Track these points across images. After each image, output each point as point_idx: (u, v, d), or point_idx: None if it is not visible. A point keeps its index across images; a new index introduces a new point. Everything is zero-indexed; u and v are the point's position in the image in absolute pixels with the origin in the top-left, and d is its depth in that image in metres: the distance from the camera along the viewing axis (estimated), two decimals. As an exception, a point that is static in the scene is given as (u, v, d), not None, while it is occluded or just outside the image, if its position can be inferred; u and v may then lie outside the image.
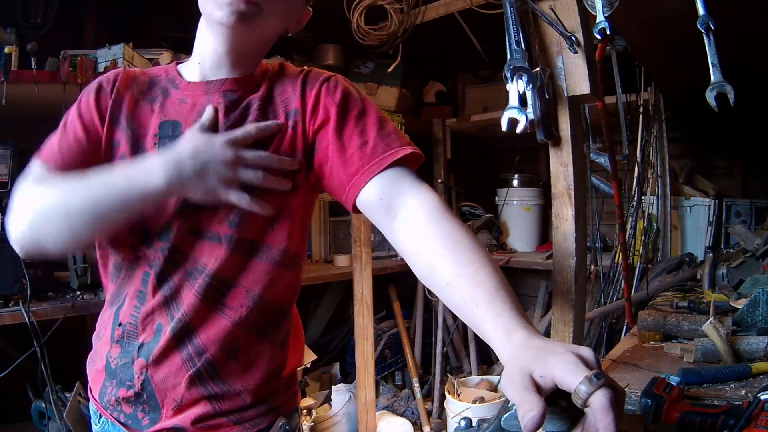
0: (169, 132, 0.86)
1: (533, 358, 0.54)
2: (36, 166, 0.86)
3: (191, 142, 0.80)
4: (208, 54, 0.89)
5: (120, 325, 0.87)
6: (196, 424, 0.84)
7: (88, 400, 1.69)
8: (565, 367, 0.51)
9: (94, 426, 0.94)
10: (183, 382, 0.83)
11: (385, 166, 0.81)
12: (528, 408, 0.49)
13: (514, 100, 1.21)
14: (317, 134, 0.87)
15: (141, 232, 0.85)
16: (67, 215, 0.77)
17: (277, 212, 0.86)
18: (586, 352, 0.54)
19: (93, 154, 0.86)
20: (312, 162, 0.88)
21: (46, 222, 0.78)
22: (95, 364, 0.91)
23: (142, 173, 0.78)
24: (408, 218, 0.78)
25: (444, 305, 3.08)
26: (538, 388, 0.52)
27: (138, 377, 0.84)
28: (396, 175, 0.82)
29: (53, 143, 0.88)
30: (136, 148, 0.86)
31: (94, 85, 0.90)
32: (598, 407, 0.48)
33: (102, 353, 0.89)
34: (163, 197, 0.80)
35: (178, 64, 0.95)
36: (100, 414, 0.91)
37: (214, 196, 0.80)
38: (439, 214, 0.76)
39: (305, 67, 0.95)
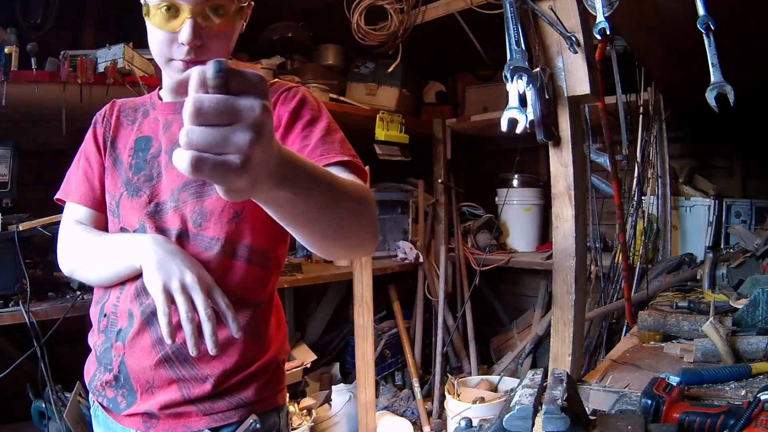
0: (142, 146, 1.00)
1: None
2: (67, 208, 1.06)
3: (164, 249, 0.88)
4: (171, 86, 1.01)
5: (105, 316, 0.96)
6: (164, 410, 0.90)
7: (87, 400, 1.67)
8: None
9: (91, 412, 1.03)
10: (152, 364, 0.89)
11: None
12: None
13: (514, 100, 1.21)
14: None
15: (121, 232, 0.98)
16: (87, 274, 1.00)
17: (240, 210, 0.92)
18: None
19: (99, 179, 1.03)
20: None
21: (79, 274, 1.02)
22: (90, 359, 1.01)
23: (130, 256, 0.90)
24: None
25: (443, 305, 3.09)
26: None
27: (115, 360, 0.92)
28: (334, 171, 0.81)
29: (70, 180, 1.07)
30: (116, 162, 1.02)
31: (92, 121, 1.08)
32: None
33: (92, 345, 1.00)
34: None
35: (160, 89, 1.06)
36: (93, 400, 1.01)
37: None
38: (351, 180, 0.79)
39: (276, 80, 1.03)
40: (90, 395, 1.01)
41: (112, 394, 0.94)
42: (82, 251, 1.00)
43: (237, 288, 0.93)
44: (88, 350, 1.02)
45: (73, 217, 1.04)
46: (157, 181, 0.96)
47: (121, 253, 0.92)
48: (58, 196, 1.07)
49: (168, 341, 0.80)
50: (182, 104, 0.89)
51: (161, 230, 0.93)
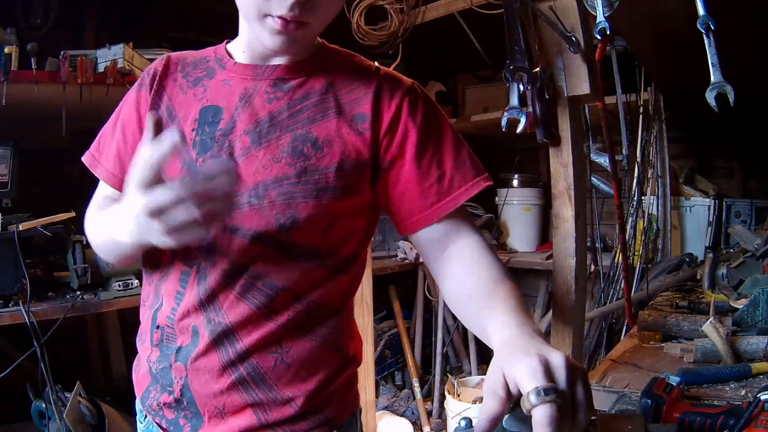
0: (209, 118, 0.82)
1: (507, 356, 0.57)
2: (100, 184, 0.92)
3: (130, 204, 0.67)
4: (256, 47, 0.83)
5: (158, 327, 0.83)
6: None
7: (88, 400, 1.65)
8: (524, 371, 0.53)
9: (138, 424, 0.92)
10: (224, 388, 0.78)
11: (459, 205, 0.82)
12: (484, 410, 0.53)
13: (514, 100, 1.21)
14: (390, 151, 0.82)
15: None
16: (100, 251, 0.86)
17: (333, 218, 0.80)
18: (557, 358, 0.54)
19: (130, 155, 0.85)
20: (378, 175, 0.83)
21: (98, 253, 0.88)
22: (140, 369, 0.88)
23: (117, 230, 0.72)
24: (453, 254, 0.82)
25: (444, 305, 3.09)
26: (509, 388, 0.54)
27: (177, 382, 0.80)
28: (460, 217, 0.83)
29: (102, 146, 0.92)
30: None
31: (139, 80, 0.89)
32: (537, 422, 0.50)
33: (143, 358, 0.87)
34: (139, 249, 0.77)
35: (228, 42, 0.89)
36: (145, 415, 0.89)
37: (174, 241, 0.66)
38: (483, 250, 0.80)
39: (377, 64, 0.89)
40: (139, 405, 0.89)
41: (173, 415, 0.82)
42: (94, 228, 0.86)
43: (323, 297, 0.82)
44: (135, 351, 0.90)
45: (103, 192, 0.91)
46: None
47: (110, 230, 0.75)
48: (84, 159, 0.92)
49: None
50: (264, 68, 0.84)
51: (231, 229, 0.77)
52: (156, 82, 0.86)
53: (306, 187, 0.77)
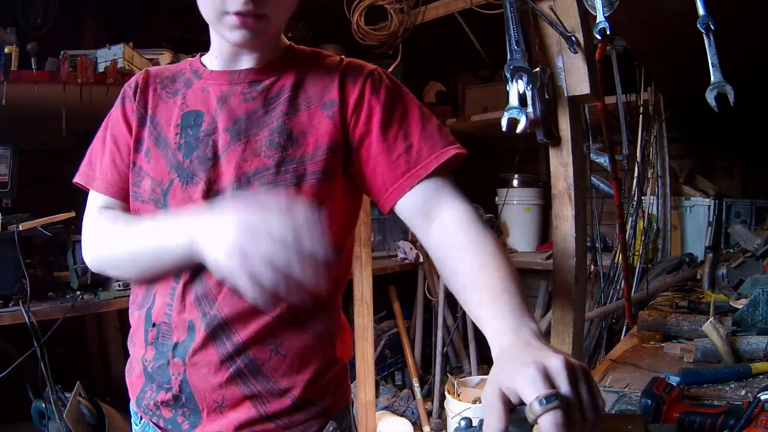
0: (191, 122, 0.86)
1: (503, 368, 0.56)
2: (92, 196, 0.94)
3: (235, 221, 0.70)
4: (225, 49, 0.88)
5: (154, 325, 0.84)
6: (240, 430, 0.81)
7: (88, 400, 1.65)
8: (524, 381, 0.52)
9: (134, 426, 0.92)
10: (223, 382, 0.80)
11: (431, 171, 0.82)
12: (491, 426, 0.53)
13: (514, 100, 1.21)
14: (357, 130, 0.85)
15: None
16: (118, 264, 0.89)
17: (320, 204, 0.82)
18: (555, 362, 0.54)
19: (128, 166, 0.90)
20: (351, 157, 0.86)
21: (106, 265, 0.90)
22: (134, 371, 0.89)
23: (168, 236, 0.77)
24: (442, 226, 0.82)
25: (443, 305, 3.09)
26: (508, 400, 0.54)
27: (175, 378, 0.81)
28: (439, 183, 0.83)
29: (93, 163, 0.95)
30: (159, 140, 0.88)
31: (120, 94, 0.94)
32: (544, 429, 0.50)
33: (138, 358, 0.87)
34: (177, 262, 0.79)
35: (202, 56, 0.94)
36: (140, 416, 0.89)
37: (230, 278, 0.70)
38: (471, 223, 0.80)
39: (343, 57, 0.93)
40: (134, 407, 0.90)
41: (170, 414, 0.83)
42: (112, 240, 0.87)
43: (316, 290, 0.84)
44: (127, 355, 0.91)
45: (100, 205, 0.92)
46: (214, 164, 0.83)
47: (162, 234, 0.78)
48: (77, 180, 0.95)
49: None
50: (238, 73, 0.87)
51: None
52: (138, 92, 0.91)
53: (286, 175, 0.82)
